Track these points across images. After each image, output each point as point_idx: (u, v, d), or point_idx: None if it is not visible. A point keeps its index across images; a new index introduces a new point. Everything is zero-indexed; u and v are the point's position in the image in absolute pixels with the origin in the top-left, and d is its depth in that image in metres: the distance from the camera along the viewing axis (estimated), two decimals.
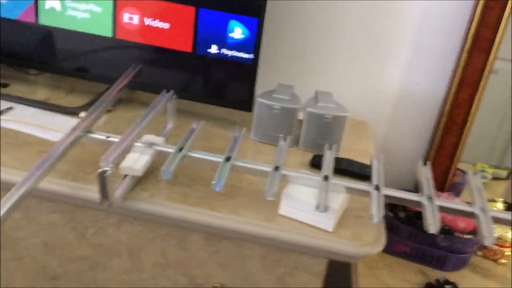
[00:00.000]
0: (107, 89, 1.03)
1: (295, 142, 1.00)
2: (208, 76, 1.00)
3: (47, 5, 0.97)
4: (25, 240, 0.87)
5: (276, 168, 0.76)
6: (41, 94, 1.05)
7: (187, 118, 1.02)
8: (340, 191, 0.76)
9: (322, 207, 0.70)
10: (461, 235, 1.02)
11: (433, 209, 0.69)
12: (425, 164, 0.80)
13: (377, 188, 0.73)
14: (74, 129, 0.76)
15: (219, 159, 0.77)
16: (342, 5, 1.11)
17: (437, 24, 1.10)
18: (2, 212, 0.62)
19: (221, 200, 0.79)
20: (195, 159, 0.78)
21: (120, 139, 0.72)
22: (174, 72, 1.01)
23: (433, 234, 1.02)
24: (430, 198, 0.71)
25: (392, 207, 1.08)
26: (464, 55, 1.07)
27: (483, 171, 1.22)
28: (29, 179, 0.67)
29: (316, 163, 0.92)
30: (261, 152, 0.96)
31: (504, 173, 1.23)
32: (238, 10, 0.93)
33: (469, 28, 1.05)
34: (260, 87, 1.01)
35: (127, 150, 0.73)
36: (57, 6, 0.97)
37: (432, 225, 0.66)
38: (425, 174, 0.76)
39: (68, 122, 0.94)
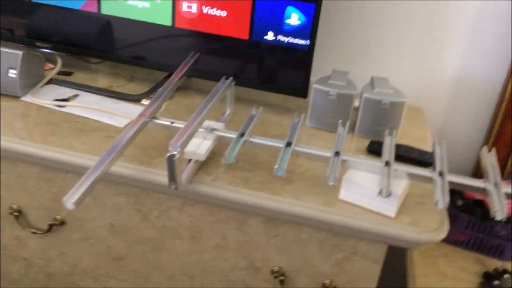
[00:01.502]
0: (166, 77, 1.06)
1: (351, 129, 0.99)
2: (263, 63, 1.01)
3: None
4: (92, 221, 0.91)
5: (337, 154, 0.76)
6: (102, 82, 1.09)
7: (242, 104, 1.04)
8: (402, 177, 0.76)
9: (385, 193, 0.70)
10: None
11: (500, 196, 0.68)
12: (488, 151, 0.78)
13: (441, 174, 0.73)
14: (141, 115, 0.79)
15: (280, 144, 0.78)
16: None
17: (496, 7, 1.07)
18: (78, 196, 0.65)
19: (281, 184, 0.80)
20: (255, 145, 0.80)
21: (185, 125, 0.74)
22: (230, 60, 1.02)
23: (491, 223, 1.00)
24: (496, 185, 0.70)
25: (449, 195, 1.06)
26: None
27: None
28: (101, 164, 0.70)
29: (373, 149, 0.92)
30: (317, 138, 0.97)
31: None
32: None
33: None
34: (314, 74, 1.01)
35: (191, 136, 0.75)
36: None
37: (499, 211, 0.66)
38: (490, 161, 0.75)
39: (131, 109, 0.98)
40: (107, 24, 1.04)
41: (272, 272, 0.87)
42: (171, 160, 0.69)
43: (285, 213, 0.77)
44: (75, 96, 1.00)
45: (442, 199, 0.67)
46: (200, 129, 0.80)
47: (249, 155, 0.87)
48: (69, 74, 1.10)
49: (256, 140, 0.79)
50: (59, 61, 1.10)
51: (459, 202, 1.05)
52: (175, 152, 0.69)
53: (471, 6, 1.07)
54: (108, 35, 1.05)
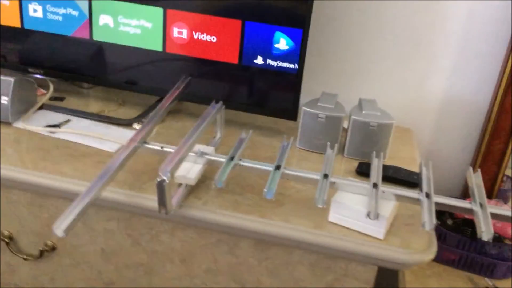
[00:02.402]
0: (158, 101, 1.08)
1: (340, 150, 1.01)
2: (253, 87, 1.03)
3: (101, 21, 1.02)
4: (83, 247, 0.91)
5: (325, 176, 0.77)
6: (94, 106, 1.10)
7: (233, 127, 1.05)
8: (390, 199, 0.77)
9: (373, 215, 0.71)
10: (510, 243, 1.01)
11: (486, 216, 0.69)
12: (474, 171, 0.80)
13: (427, 195, 0.74)
14: (132, 140, 0.80)
15: (269, 167, 0.79)
16: (384, 12, 1.12)
17: (482, 28, 1.09)
18: (67, 222, 0.65)
19: (271, 207, 0.81)
20: (245, 168, 0.81)
21: (175, 150, 0.75)
22: (220, 83, 1.04)
23: (481, 242, 1.01)
24: (482, 205, 0.71)
25: (439, 214, 1.07)
26: (510, 61, 1.06)
27: None
28: (92, 190, 0.70)
29: (362, 171, 0.93)
30: (307, 160, 0.98)
31: None
32: (283, 22, 0.95)
33: None
34: (303, 96, 1.03)
35: (181, 160, 0.76)
36: (110, 22, 1.02)
37: (486, 232, 0.66)
38: (476, 181, 0.76)
39: (122, 133, 0.99)
40: (99, 50, 1.06)
41: None
42: (161, 186, 0.70)
43: (276, 236, 0.78)
44: (67, 121, 1.01)
45: (429, 221, 0.68)
46: (191, 153, 0.81)
47: (239, 178, 0.88)
48: (61, 99, 1.11)
49: (246, 163, 0.80)
50: (51, 87, 1.11)
51: (449, 222, 1.06)
52: (165, 178, 0.69)
53: (457, 28, 1.10)
54: (100, 60, 1.07)
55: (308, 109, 0.98)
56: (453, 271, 1.05)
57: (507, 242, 1.01)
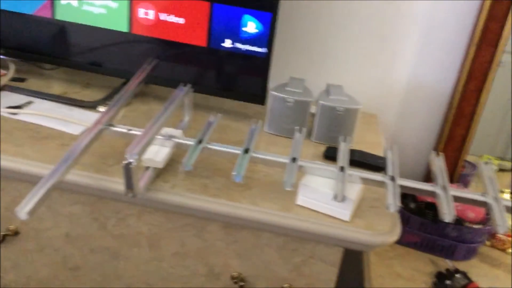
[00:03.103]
0: (123, 84, 1.06)
1: (308, 135, 1.02)
2: (222, 70, 1.02)
3: (64, 0, 0.99)
4: (47, 231, 0.89)
5: (293, 160, 0.78)
6: (57, 88, 1.07)
7: (201, 111, 1.04)
8: (356, 182, 0.78)
9: (340, 197, 0.72)
10: (470, 225, 1.05)
11: (448, 198, 0.71)
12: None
13: (392, 178, 0.75)
14: (97, 122, 0.78)
15: (238, 151, 0.79)
16: None
17: (446, 17, 1.11)
18: (31, 205, 0.64)
19: (240, 191, 0.81)
20: (213, 151, 0.80)
21: (142, 132, 0.74)
22: (188, 66, 1.02)
23: (443, 224, 1.04)
24: (444, 188, 0.73)
25: (402, 198, 1.10)
26: (472, 49, 1.09)
27: (488, 163, 1.24)
28: (56, 172, 0.69)
29: (329, 155, 0.95)
30: (275, 144, 0.98)
31: (508, 165, 1.25)
32: (252, 4, 0.94)
33: (477, 22, 1.07)
34: (271, 80, 1.03)
35: (148, 143, 0.75)
36: (74, 1, 0.99)
37: (447, 214, 0.69)
38: (439, 165, 0.78)
39: (86, 116, 0.96)
40: (62, 30, 1.03)
41: (232, 278, 0.87)
42: (128, 168, 0.69)
43: (244, 219, 0.78)
44: (29, 103, 0.98)
45: (393, 203, 0.70)
46: (158, 136, 0.80)
47: (208, 162, 0.87)
48: (22, 80, 1.08)
49: (214, 147, 0.79)
50: (12, 67, 1.07)
51: (412, 205, 1.08)
52: (132, 160, 0.68)
53: (421, 15, 1.12)
54: (63, 40, 1.04)
55: (276, 93, 0.98)
56: (415, 253, 1.08)
57: (467, 225, 1.05)
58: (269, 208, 0.78)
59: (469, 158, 1.20)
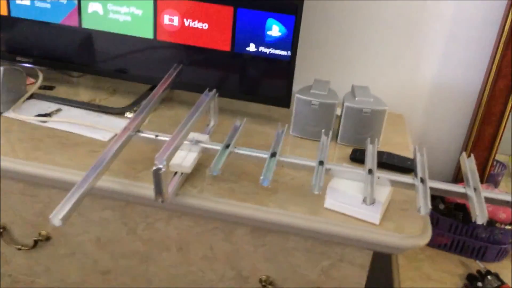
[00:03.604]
0: (149, 90, 1.07)
1: (333, 137, 1.01)
2: (246, 74, 1.02)
3: (90, 9, 1.01)
4: (78, 236, 0.91)
5: (321, 163, 0.78)
6: (85, 95, 1.09)
7: (225, 115, 1.05)
8: (385, 184, 0.77)
9: (369, 200, 0.72)
10: (501, 226, 1.03)
11: (480, 200, 0.70)
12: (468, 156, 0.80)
13: (422, 180, 0.74)
14: (126, 128, 0.79)
15: (265, 155, 0.79)
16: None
17: (472, 15, 1.10)
18: (65, 212, 0.65)
19: (267, 195, 0.81)
20: (239, 155, 0.80)
21: (170, 138, 0.75)
22: (213, 71, 1.03)
23: (473, 226, 1.02)
24: (476, 190, 0.72)
25: (431, 199, 1.08)
26: (501, 46, 1.06)
27: None
28: (88, 179, 0.70)
29: (356, 157, 0.94)
30: (300, 147, 0.98)
31: None
32: (276, 8, 0.95)
33: (505, 19, 1.05)
34: (295, 84, 1.03)
35: (176, 148, 0.76)
36: (100, 9, 1.00)
37: (480, 216, 0.67)
38: (470, 166, 0.77)
39: (114, 122, 0.98)
40: (88, 38, 1.04)
41: (260, 281, 0.87)
42: (157, 174, 0.69)
43: (272, 222, 0.78)
44: (58, 110, 1.00)
45: (424, 205, 0.69)
46: (185, 142, 0.81)
47: (234, 166, 0.88)
48: (50, 88, 1.10)
49: (241, 151, 0.80)
50: (41, 76, 1.10)
51: (441, 206, 1.07)
52: (161, 166, 0.69)
53: (447, 14, 1.10)
54: (90, 48, 1.06)
55: (301, 96, 0.98)
56: (445, 255, 1.06)
57: (498, 225, 1.03)
58: (296, 212, 0.78)
59: (498, 157, 1.18)
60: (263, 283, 0.87)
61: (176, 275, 0.91)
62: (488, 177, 1.18)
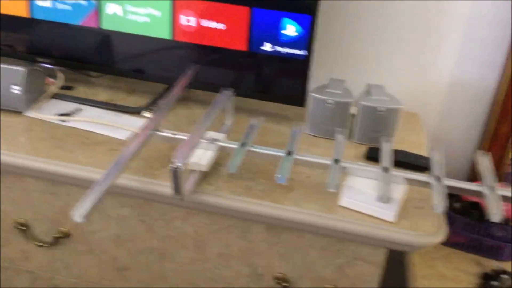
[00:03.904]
0: (166, 89, 1.08)
1: (349, 136, 1.02)
2: (262, 73, 1.03)
3: (109, 10, 1.03)
4: (97, 233, 0.93)
5: (336, 161, 0.78)
6: (103, 95, 1.11)
7: (241, 114, 1.06)
8: (400, 183, 0.78)
9: (385, 198, 0.73)
10: None
11: (496, 198, 0.70)
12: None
13: (438, 179, 0.75)
14: (145, 128, 0.81)
15: (281, 153, 0.80)
16: None
17: (488, 13, 1.09)
18: (86, 208, 0.67)
19: (283, 192, 0.82)
20: (255, 154, 0.82)
21: (188, 137, 0.76)
22: (229, 71, 1.04)
23: (488, 224, 1.02)
24: (492, 188, 0.72)
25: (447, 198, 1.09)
26: None
27: None
28: (108, 177, 0.71)
29: (371, 156, 0.94)
30: (316, 146, 0.99)
31: None
32: (291, 8, 0.95)
33: None
34: (311, 82, 1.03)
35: (194, 147, 0.77)
36: (119, 11, 1.02)
37: (496, 214, 0.68)
38: (485, 164, 0.77)
39: (132, 121, 1.00)
40: (107, 39, 1.06)
41: (275, 278, 0.88)
42: (175, 172, 0.71)
43: (287, 220, 0.79)
44: (78, 110, 1.02)
45: (439, 203, 0.69)
46: (202, 140, 0.82)
47: (250, 164, 0.89)
48: (70, 88, 1.12)
49: (258, 149, 0.81)
50: (61, 76, 1.12)
51: (456, 205, 1.07)
52: (179, 164, 0.71)
53: (463, 13, 1.10)
54: (108, 49, 1.07)
55: (317, 95, 0.98)
56: (460, 254, 1.06)
57: None
58: (312, 210, 0.79)
59: None
60: (278, 281, 0.88)
61: (192, 272, 0.92)
62: (504, 175, 1.17)
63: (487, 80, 1.15)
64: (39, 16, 1.06)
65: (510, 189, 0.74)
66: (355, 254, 0.83)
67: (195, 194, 0.80)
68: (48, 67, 1.11)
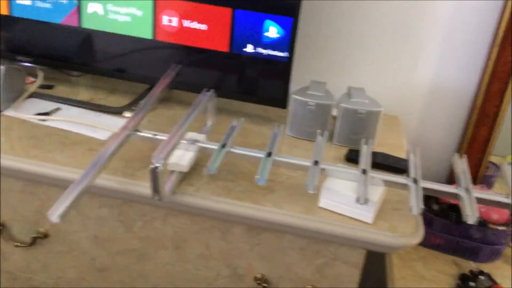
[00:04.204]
0: (147, 89, 1.08)
1: (329, 138, 1.02)
2: (243, 75, 1.04)
3: (90, 9, 1.02)
4: (76, 233, 0.92)
5: (316, 163, 0.79)
6: (84, 95, 1.10)
7: (223, 115, 1.06)
8: (378, 184, 0.79)
9: (362, 200, 0.73)
10: (494, 227, 1.04)
11: (471, 200, 0.71)
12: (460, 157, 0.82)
13: (415, 181, 0.76)
14: (124, 127, 0.80)
15: (261, 154, 0.80)
16: (372, 1, 1.13)
17: (469, 18, 1.11)
18: (63, 209, 0.66)
19: (263, 194, 0.82)
20: (236, 155, 0.82)
21: (168, 137, 0.76)
22: (211, 71, 1.04)
23: (466, 226, 1.04)
24: (467, 190, 0.73)
25: (425, 200, 1.10)
26: (495, 49, 1.08)
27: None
28: (86, 177, 0.71)
29: (351, 158, 0.95)
30: (296, 147, 0.99)
31: None
32: (273, 10, 0.96)
33: (500, 22, 1.06)
34: (292, 84, 1.04)
35: (173, 147, 0.77)
36: (100, 10, 1.02)
37: (471, 216, 0.69)
38: (462, 167, 0.78)
39: (112, 121, 0.99)
40: (88, 38, 1.06)
41: (255, 279, 0.89)
42: (154, 172, 0.71)
43: (267, 221, 0.79)
44: (57, 109, 1.01)
45: (416, 205, 0.70)
46: (183, 141, 0.82)
47: (231, 165, 0.89)
48: (50, 87, 1.11)
49: (238, 150, 0.81)
50: (41, 75, 1.11)
51: (435, 207, 1.08)
52: (158, 164, 0.70)
53: (443, 17, 1.12)
54: (89, 48, 1.07)
55: (298, 97, 0.99)
56: (439, 255, 1.08)
57: (491, 226, 1.04)
58: (292, 211, 0.79)
59: (493, 159, 1.19)
60: (258, 282, 0.88)
61: (172, 273, 0.92)
62: (482, 178, 1.19)
63: (466, 84, 1.16)
64: (19, 14, 1.05)
65: (485, 191, 0.75)
66: (334, 255, 0.83)
67: (175, 195, 0.79)
68: (28, 66, 1.10)
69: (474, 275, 1.01)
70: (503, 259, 1.08)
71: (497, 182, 1.21)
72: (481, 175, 1.19)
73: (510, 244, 1.11)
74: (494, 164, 1.19)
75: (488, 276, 1.00)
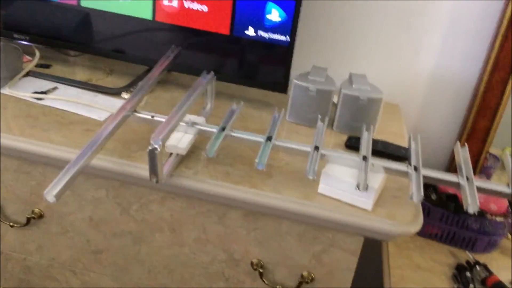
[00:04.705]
0: (146, 71, 1.06)
1: (330, 124, 1.01)
2: (244, 58, 1.02)
3: None
4: (71, 214, 0.91)
5: (316, 148, 0.78)
6: (81, 75, 1.08)
7: (222, 99, 1.05)
8: (378, 171, 0.78)
9: (363, 186, 0.72)
10: (492, 218, 1.04)
11: (472, 190, 0.71)
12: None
13: (415, 168, 0.75)
14: (122, 108, 0.79)
15: (261, 139, 0.79)
16: None
17: (472, 7, 1.10)
18: (58, 189, 0.65)
19: (262, 178, 0.81)
20: (235, 139, 0.81)
21: (166, 119, 0.75)
22: (211, 54, 1.03)
23: (464, 216, 1.03)
24: (468, 179, 0.73)
25: (424, 189, 1.09)
26: (499, 39, 1.07)
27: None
28: (82, 157, 0.70)
29: (351, 144, 0.94)
30: (296, 133, 0.98)
31: None
32: None
33: (504, 11, 1.05)
34: (293, 69, 1.02)
35: (172, 129, 0.76)
36: None
37: (471, 205, 0.68)
38: (463, 156, 0.78)
39: (110, 102, 0.98)
40: (87, 17, 1.04)
41: (252, 264, 0.88)
42: (152, 154, 0.69)
43: (265, 206, 0.78)
44: (54, 88, 1.00)
45: (416, 193, 0.69)
46: (181, 123, 0.81)
47: (230, 149, 0.88)
48: (47, 66, 1.09)
49: (237, 134, 0.80)
50: (37, 54, 1.09)
51: (433, 196, 1.08)
52: (156, 146, 0.69)
53: (446, 7, 1.10)
54: (87, 27, 1.05)
55: (299, 82, 0.98)
56: (436, 245, 1.08)
57: (489, 217, 1.04)
58: (290, 196, 0.78)
59: (492, 150, 1.18)
60: (255, 267, 0.88)
61: (168, 256, 0.91)
62: (481, 169, 1.19)
63: (468, 73, 1.15)
64: None
65: (486, 181, 0.75)
66: (332, 242, 0.83)
67: (173, 178, 0.78)
68: (25, 44, 1.08)
69: (470, 266, 1.01)
70: (500, 250, 1.08)
71: (495, 174, 1.21)
72: (480, 166, 1.18)
73: (508, 236, 1.11)
74: (493, 155, 1.19)
75: (485, 266, 1.00)
